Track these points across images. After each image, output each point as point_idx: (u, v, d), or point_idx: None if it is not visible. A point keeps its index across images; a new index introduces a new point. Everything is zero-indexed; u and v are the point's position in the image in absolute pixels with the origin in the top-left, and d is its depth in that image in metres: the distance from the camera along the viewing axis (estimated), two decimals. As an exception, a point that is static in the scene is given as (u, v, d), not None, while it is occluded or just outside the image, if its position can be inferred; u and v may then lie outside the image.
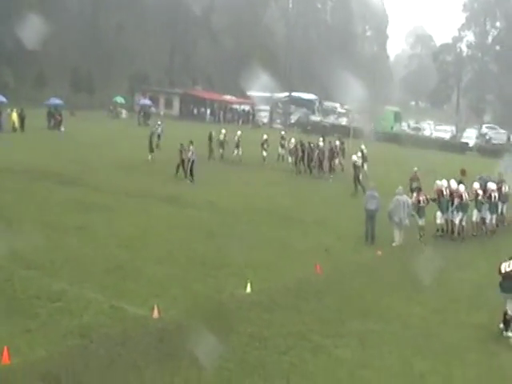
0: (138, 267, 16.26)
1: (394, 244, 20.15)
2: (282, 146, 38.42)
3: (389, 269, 17.76)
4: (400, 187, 20.99)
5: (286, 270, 17.04)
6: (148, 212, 22.64)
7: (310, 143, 35.04)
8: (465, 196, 21.78)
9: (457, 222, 21.81)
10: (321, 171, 34.20)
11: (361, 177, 30.21)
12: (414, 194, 21.86)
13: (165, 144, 37.72)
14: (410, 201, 20.59)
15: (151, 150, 34.67)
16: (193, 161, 29.83)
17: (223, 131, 37.83)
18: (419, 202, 21.23)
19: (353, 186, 29.47)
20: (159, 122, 40.02)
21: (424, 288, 16.19)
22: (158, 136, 38.57)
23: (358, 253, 19.33)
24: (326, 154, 34.30)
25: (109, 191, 25.72)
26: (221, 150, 37.51)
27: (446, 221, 22.05)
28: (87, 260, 16.50)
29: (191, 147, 30.02)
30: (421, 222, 21.30)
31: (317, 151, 34.27)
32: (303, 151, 34.73)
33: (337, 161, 35.31)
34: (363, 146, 34.80)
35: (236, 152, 37.26)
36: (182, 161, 30.04)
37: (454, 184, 22.27)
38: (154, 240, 19.01)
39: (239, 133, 38.22)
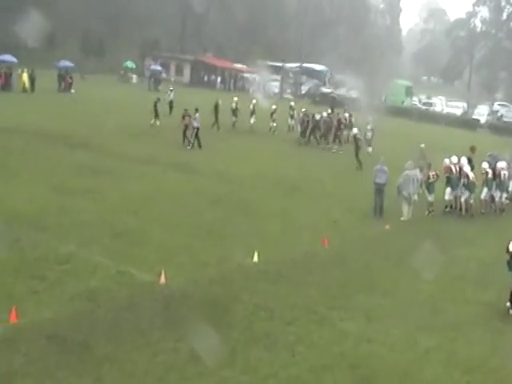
0: (146, 233, 16.22)
1: (402, 218, 20.07)
2: (292, 117, 38.07)
3: (397, 243, 17.68)
4: (410, 162, 20.85)
5: (293, 241, 16.98)
6: (156, 178, 22.55)
7: (313, 114, 34.67)
8: (471, 176, 21.60)
9: (463, 200, 21.69)
10: (324, 142, 33.88)
11: (361, 151, 29.56)
12: (424, 171, 21.66)
13: (175, 111, 37.50)
14: (419, 176, 20.44)
15: (156, 116, 34.40)
16: (198, 128, 29.56)
17: (235, 99, 37.42)
18: (429, 177, 21.09)
19: (355, 160, 29.03)
20: (171, 88, 39.63)
21: (431, 264, 16.09)
22: (171, 102, 38.18)
23: (366, 226, 19.25)
24: (334, 125, 33.91)
25: (118, 156, 25.59)
26: (233, 118, 37.08)
27: (455, 197, 21.95)
28: (95, 224, 16.46)
29: (196, 114, 29.76)
30: (430, 197, 21.21)
31: (321, 122, 34.04)
32: (308, 122, 34.40)
33: (344, 133, 34.94)
34: (370, 120, 34.39)
35: (252, 121, 36.97)
36: (185, 126, 29.85)
37: (463, 161, 22.10)
38: (161, 206, 18.95)
39: (254, 101, 37.93)
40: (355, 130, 30.13)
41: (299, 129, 35.41)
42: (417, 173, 20.49)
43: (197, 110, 29.98)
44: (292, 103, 39.76)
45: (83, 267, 13.46)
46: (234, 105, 37.18)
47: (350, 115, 36.63)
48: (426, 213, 21.11)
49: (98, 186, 20.25)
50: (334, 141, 33.77)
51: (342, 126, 34.46)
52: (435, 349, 11.56)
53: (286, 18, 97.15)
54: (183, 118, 30.07)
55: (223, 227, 17.49)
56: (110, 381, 9.44)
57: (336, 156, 32.43)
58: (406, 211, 20.12)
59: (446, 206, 21.90)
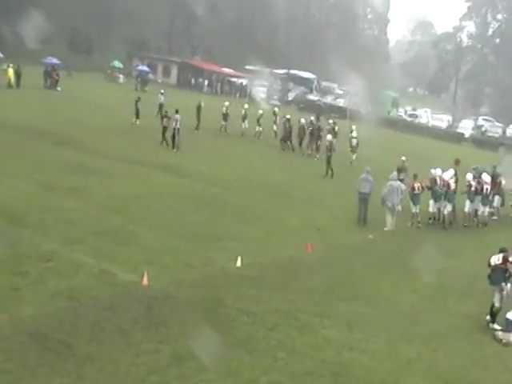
0: (130, 233, 16.17)
1: (385, 229, 20.16)
2: (275, 122, 38.08)
3: (379, 253, 17.76)
4: (394, 172, 21.08)
5: (276, 246, 17.01)
6: (142, 179, 22.47)
7: (299, 120, 34.73)
8: (452, 185, 21.82)
9: (445, 212, 21.87)
10: (302, 149, 33.96)
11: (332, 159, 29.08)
12: (405, 182, 21.76)
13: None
14: (403, 186, 20.56)
15: (137, 115, 34.41)
16: (178, 129, 29.53)
17: (226, 103, 37.45)
18: (414, 188, 21.21)
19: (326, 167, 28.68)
20: (162, 91, 39.34)
21: (413, 274, 16.22)
22: (161, 104, 37.96)
23: (350, 234, 19.33)
24: (311, 133, 33.96)
25: (103, 155, 25.44)
26: (223, 122, 37.17)
27: (439, 210, 22.09)
28: (79, 222, 16.37)
29: (177, 116, 29.73)
30: (415, 208, 21.33)
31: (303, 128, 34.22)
32: (289, 127, 34.49)
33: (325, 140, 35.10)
34: (354, 128, 34.71)
35: (244, 125, 37.11)
36: (164, 127, 29.88)
37: (449, 173, 22.28)
38: (147, 207, 18.89)
39: (246, 106, 38.31)
40: (329, 137, 29.85)
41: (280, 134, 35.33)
42: (401, 184, 20.61)
43: (177, 112, 30.00)
44: (276, 109, 39.64)
45: (66, 265, 13.37)
46: (224, 109, 37.21)
47: (334, 123, 36.76)
48: (410, 224, 21.23)
49: (83, 185, 20.13)
50: (317, 148, 33.68)
51: (322, 134, 34.29)
52: (416, 359, 11.63)
53: (274, 22, 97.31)
54: (162, 119, 30.30)
55: (208, 230, 17.48)
56: (90, 380, 9.38)
57: (320, 163, 32.37)
58: (389, 221, 20.24)
59: (430, 218, 22.04)
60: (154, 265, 14.08)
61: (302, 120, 34.99)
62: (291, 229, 18.88)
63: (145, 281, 12.95)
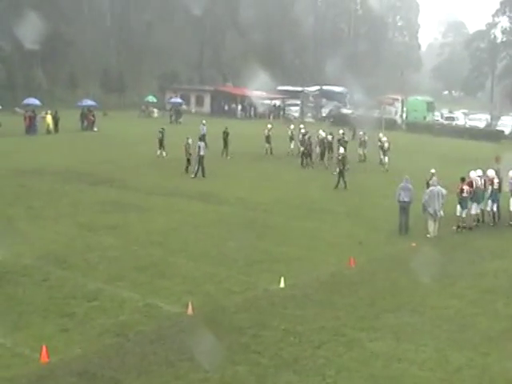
0: (171, 264, 16.41)
1: (428, 235, 19.92)
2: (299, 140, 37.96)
3: (423, 260, 17.51)
4: (434, 178, 20.76)
5: (318, 263, 17.02)
6: (180, 210, 22.78)
7: (307, 136, 34.78)
8: (495, 182, 21.53)
9: (489, 208, 21.71)
10: (324, 162, 33.90)
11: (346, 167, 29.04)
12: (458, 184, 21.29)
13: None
14: (443, 191, 20.28)
15: (161, 146, 34.77)
16: (202, 156, 29.82)
17: (269, 126, 37.89)
18: (462, 191, 20.86)
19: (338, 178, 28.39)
20: (204, 122, 39.57)
21: (459, 279, 16.07)
22: (203, 135, 38.07)
23: (392, 245, 19.21)
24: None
25: (141, 190, 25.93)
26: (266, 145, 37.55)
27: (482, 211, 21.78)
28: (121, 258, 16.70)
29: (201, 143, 30.18)
30: (463, 213, 21.00)
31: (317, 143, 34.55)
32: (309, 144, 34.60)
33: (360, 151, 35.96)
34: (381, 135, 35.22)
35: (291, 146, 37.52)
36: (190, 155, 30.29)
37: (490, 173, 21.93)
38: (186, 237, 19.14)
39: (292, 127, 38.65)
40: (342, 150, 29.63)
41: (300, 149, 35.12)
42: (441, 188, 20.30)
43: (200, 139, 30.58)
44: (301, 126, 38.95)
45: (111, 302, 13.65)
46: (266, 131, 37.76)
47: (364, 133, 36.87)
48: (454, 227, 20.94)
49: (122, 221, 20.55)
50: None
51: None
52: (467, 365, 11.45)
53: (303, 40, 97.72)
54: (185, 148, 30.51)
55: (248, 254, 17.59)
56: (140, 414, 9.54)
57: (358, 175, 32.28)
58: (431, 228, 19.97)
59: (474, 221, 21.72)
60: (196, 294, 14.27)
61: (322, 133, 35.06)
62: (332, 245, 18.87)
63: (189, 310, 13.12)
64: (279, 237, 19.56)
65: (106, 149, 37.84)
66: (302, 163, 34.18)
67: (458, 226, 21.08)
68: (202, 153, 29.89)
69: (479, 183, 21.59)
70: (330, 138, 35.10)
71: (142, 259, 16.71)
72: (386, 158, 33.82)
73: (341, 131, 36.36)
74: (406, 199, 20.31)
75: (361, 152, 36.46)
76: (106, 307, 13.40)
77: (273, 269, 16.19)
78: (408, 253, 18.30)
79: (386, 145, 34.30)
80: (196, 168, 29.78)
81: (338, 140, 34.62)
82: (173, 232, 19.69)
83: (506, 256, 18.43)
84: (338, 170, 28.65)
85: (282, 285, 14.96)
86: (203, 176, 29.62)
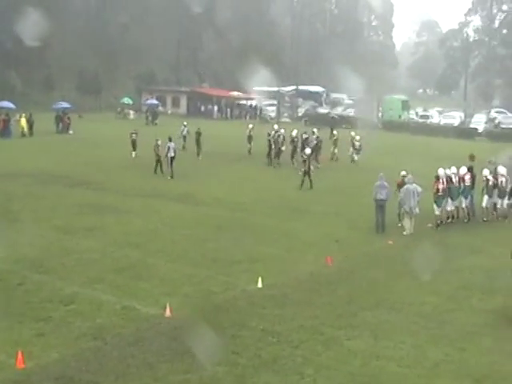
0: (150, 266, 16.32)
1: (404, 233, 20.09)
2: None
3: (400, 258, 17.67)
4: (409, 176, 20.89)
5: (297, 263, 17.05)
6: (158, 211, 22.67)
7: (277, 134, 35.04)
8: (466, 179, 21.84)
9: (463, 205, 22.02)
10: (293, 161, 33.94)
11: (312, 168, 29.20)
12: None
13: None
14: (419, 189, 20.43)
15: (134, 147, 35.04)
16: (172, 157, 29.84)
17: (250, 126, 38.00)
18: (438, 190, 21.06)
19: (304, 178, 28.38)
20: (185, 123, 39.36)
21: (436, 276, 16.14)
22: (184, 137, 38.08)
23: (369, 243, 19.30)
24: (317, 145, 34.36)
25: (118, 192, 25.76)
26: (248, 145, 37.63)
27: (457, 208, 22.00)
28: (98, 261, 16.56)
29: (171, 143, 30.15)
30: (437, 211, 21.20)
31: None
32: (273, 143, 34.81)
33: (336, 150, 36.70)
34: (354, 134, 36.47)
35: (249, 146, 37.80)
36: (158, 156, 30.25)
37: (462, 170, 22.22)
38: (164, 238, 19.05)
39: (251, 126, 38.71)
40: (308, 151, 29.79)
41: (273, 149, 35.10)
42: (417, 186, 20.44)
43: (170, 139, 30.47)
44: (275, 126, 39.08)
45: (88, 306, 13.51)
46: (248, 131, 37.91)
47: (336, 133, 37.59)
48: (430, 225, 21.09)
49: (100, 223, 20.39)
50: (317, 159, 33.76)
51: (320, 145, 34.86)
52: (444, 361, 11.53)
53: (280, 40, 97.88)
54: (154, 149, 30.47)
55: (227, 254, 17.55)
56: (119, 417, 9.45)
57: (334, 174, 32.49)
58: (407, 225, 20.16)
59: (448, 217, 21.91)
60: (175, 295, 14.20)
61: (294, 132, 35.31)
62: (310, 244, 18.91)
63: (167, 312, 13.04)
64: (258, 237, 19.54)
65: (81, 151, 37.55)
66: (269, 163, 34.25)
67: (437, 225, 21.22)
68: (171, 154, 29.83)
69: (454, 180, 21.80)
70: (303, 136, 35.34)
71: (119, 261, 16.59)
72: (357, 156, 35.39)
73: (315, 130, 36.50)
74: (382, 197, 20.45)
75: (331, 150, 37.00)
76: (83, 310, 13.26)
77: (251, 269, 16.18)
78: (385, 250, 18.43)
79: (357, 143, 35.79)
80: (170, 169, 29.72)
81: (305, 139, 34.75)
82: (151, 233, 19.58)
83: (480, 252, 18.64)
84: (302, 169, 28.54)
85: (259, 285, 14.95)
86: (171, 177, 29.48)
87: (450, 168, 22.22)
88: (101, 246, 17.89)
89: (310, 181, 27.92)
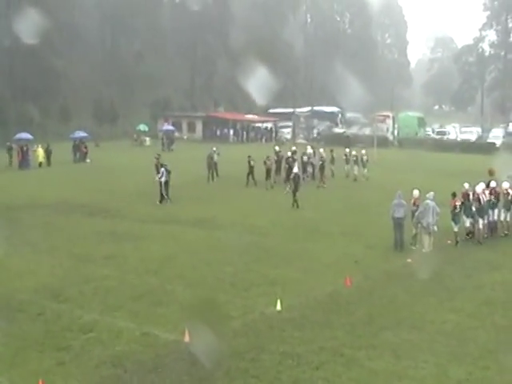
0: (168, 292, 16.37)
1: (423, 250, 19.84)
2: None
3: (420, 275, 17.54)
4: (431, 192, 20.44)
5: (315, 284, 17.00)
6: (175, 237, 22.76)
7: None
8: (482, 198, 21.51)
9: (481, 226, 21.58)
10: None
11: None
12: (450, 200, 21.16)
13: (189, 168, 38.28)
14: (438, 209, 20.03)
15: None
16: (165, 182, 29.98)
17: (277, 148, 37.73)
18: (455, 207, 20.92)
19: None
20: (214, 149, 39.10)
21: (457, 293, 16.07)
22: (215, 164, 37.57)
23: (388, 262, 19.22)
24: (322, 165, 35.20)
25: (136, 219, 25.92)
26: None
27: (473, 225, 21.78)
28: (117, 289, 16.65)
29: (162, 169, 30.34)
30: (456, 228, 20.99)
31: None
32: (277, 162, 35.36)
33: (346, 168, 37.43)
34: (364, 151, 37.66)
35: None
36: (162, 183, 30.24)
37: (479, 188, 21.98)
38: (183, 264, 19.12)
39: (277, 148, 38.38)
40: (295, 170, 30.35)
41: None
42: (435, 205, 19.95)
43: (162, 165, 30.67)
44: (294, 148, 38.90)
45: (107, 333, 13.59)
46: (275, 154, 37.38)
47: (331, 150, 37.78)
48: (449, 241, 20.94)
49: (118, 251, 20.52)
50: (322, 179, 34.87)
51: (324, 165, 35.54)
52: (467, 380, 11.44)
53: (294, 61, 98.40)
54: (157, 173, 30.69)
55: (245, 278, 17.57)
56: None
57: (345, 192, 32.47)
58: (426, 242, 19.91)
59: (467, 234, 21.74)
60: (193, 321, 14.19)
61: (289, 153, 35.52)
62: (328, 265, 18.86)
63: (186, 338, 13.05)
64: (275, 259, 19.56)
65: (98, 179, 37.90)
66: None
67: (457, 242, 20.98)
68: (163, 179, 29.90)
69: (470, 196, 21.63)
70: (304, 157, 36.29)
71: (138, 288, 16.67)
72: (366, 170, 37.04)
73: (321, 150, 37.29)
74: (400, 215, 20.34)
75: (346, 169, 37.86)
76: (102, 338, 13.34)
77: (270, 292, 16.16)
78: (404, 269, 18.32)
79: (365, 158, 37.39)
80: (162, 193, 29.77)
81: (287, 159, 34.80)
82: (168, 259, 19.65)
83: (501, 267, 18.47)
84: (287, 188, 29.32)
85: (278, 307, 14.93)
86: (160, 202, 29.57)
87: (467, 184, 21.99)
88: (119, 274, 18.01)
89: (296, 201, 28.29)
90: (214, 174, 36.74)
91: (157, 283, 17.08)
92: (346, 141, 48.12)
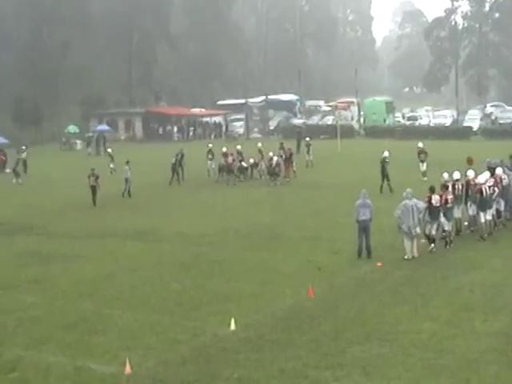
0: (105, 317, 16.22)
1: (405, 257, 19.72)
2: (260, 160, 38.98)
3: (391, 282, 17.79)
4: (408, 189, 20.38)
5: (274, 297, 17.05)
6: (112, 253, 22.58)
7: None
8: (485, 189, 21.61)
9: (482, 220, 21.70)
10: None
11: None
12: (436, 196, 20.67)
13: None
14: (420, 204, 20.04)
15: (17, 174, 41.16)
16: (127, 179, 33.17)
17: (210, 145, 39.64)
18: (446, 201, 20.72)
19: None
20: (23, 147, 41.60)
21: (432, 298, 16.30)
22: (24, 161, 42.46)
23: (355, 268, 19.38)
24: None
25: (65, 235, 25.65)
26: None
27: (456, 219, 22.01)
28: (44, 318, 16.40)
29: (126, 167, 33.24)
30: (448, 226, 20.94)
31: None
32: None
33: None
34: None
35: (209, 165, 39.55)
36: (92, 187, 31.63)
37: (482, 177, 22.16)
38: (121, 284, 18.99)
39: (210, 145, 40.41)
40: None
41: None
42: (416, 201, 20.04)
43: (127, 162, 32.83)
44: (259, 144, 40.27)
45: (34, 371, 13.31)
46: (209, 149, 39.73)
47: (289, 149, 38.71)
48: (445, 244, 20.86)
49: (44, 274, 20.24)
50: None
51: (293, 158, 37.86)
52: (446, 395, 11.59)
53: (244, 46, 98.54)
54: (89, 177, 31.83)
55: (193, 296, 17.54)
56: None
57: (312, 194, 32.73)
58: (408, 248, 19.76)
59: (487, 229, 21.86)
60: (135, 348, 14.11)
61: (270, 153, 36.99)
62: (288, 275, 18.93)
63: (127, 369, 12.95)
64: (228, 272, 19.57)
65: (20, 191, 37.47)
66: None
67: (449, 242, 20.96)
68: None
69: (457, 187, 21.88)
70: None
71: (69, 315, 16.46)
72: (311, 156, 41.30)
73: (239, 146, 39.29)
74: (365, 217, 20.18)
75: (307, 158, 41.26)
76: (27, 378, 13.05)
77: (222, 310, 16.15)
78: (373, 274, 18.51)
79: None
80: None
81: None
82: (104, 280, 19.49)
83: (482, 267, 18.76)
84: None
85: (232, 327, 14.92)
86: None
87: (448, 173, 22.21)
88: (46, 300, 17.75)
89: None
90: (180, 176, 37.64)
91: (91, 308, 16.90)
92: (298, 135, 48.51)
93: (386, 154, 31.90)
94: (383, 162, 31.50)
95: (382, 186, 30.51)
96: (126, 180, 33.81)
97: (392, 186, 30.04)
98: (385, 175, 31.01)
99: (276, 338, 14.41)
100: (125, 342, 14.51)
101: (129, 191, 33.75)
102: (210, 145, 40.60)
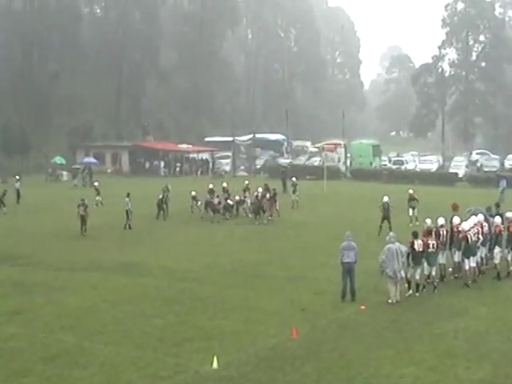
0: (87, 351, 16.13)
1: (389, 301, 19.68)
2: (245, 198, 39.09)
3: (375, 325, 17.80)
4: (391, 233, 20.59)
5: (257, 336, 17.02)
6: (96, 286, 22.50)
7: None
8: (470, 236, 21.72)
9: (466, 267, 21.76)
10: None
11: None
12: (419, 241, 20.78)
13: (111, 208, 38.29)
14: (403, 248, 20.19)
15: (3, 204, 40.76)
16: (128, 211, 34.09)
17: (211, 186, 39.37)
18: (428, 245, 20.85)
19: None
20: (17, 177, 43.00)
21: (416, 342, 16.31)
22: (18, 190, 43.43)
23: (339, 309, 19.37)
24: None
25: (50, 266, 25.55)
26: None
27: (440, 265, 22.13)
28: (25, 349, 16.26)
29: (126, 199, 34.47)
30: (428, 271, 21.05)
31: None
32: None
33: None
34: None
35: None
36: (82, 217, 32.55)
37: (467, 225, 22.33)
38: (104, 317, 18.89)
39: (211, 186, 39.73)
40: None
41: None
42: (399, 245, 20.14)
43: (128, 195, 33.91)
44: (225, 184, 40.12)
45: (10, 408, 13.24)
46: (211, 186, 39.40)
47: (273, 189, 38.46)
48: (432, 289, 21.03)
49: (27, 305, 20.11)
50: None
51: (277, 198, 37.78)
52: None
53: (234, 82, 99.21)
54: (78, 207, 32.79)
55: (176, 332, 17.48)
56: None
57: (295, 233, 32.82)
58: (393, 292, 19.75)
59: (428, 277, 22.00)
60: (116, 384, 14.02)
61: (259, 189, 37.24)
62: (272, 314, 18.92)
63: (107, 406, 12.87)
64: (211, 309, 19.53)
65: (6, 220, 37.24)
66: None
67: (434, 287, 21.07)
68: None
69: (441, 233, 22.02)
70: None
71: (50, 348, 16.35)
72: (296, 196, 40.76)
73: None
74: (349, 260, 20.13)
75: (293, 198, 40.78)
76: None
77: (205, 347, 16.11)
78: (357, 317, 18.52)
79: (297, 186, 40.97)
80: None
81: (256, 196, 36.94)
82: (87, 313, 19.39)
83: (466, 314, 18.80)
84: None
85: (215, 365, 14.87)
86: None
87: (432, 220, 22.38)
88: (28, 332, 17.63)
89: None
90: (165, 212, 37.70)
91: (73, 341, 16.80)
92: (283, 175, 48.59)
93: (386, 198, 31.74)
94: (386, 206, 31.46)
95: (381, 227, 30.58)
96: (127, 212, 34.32)
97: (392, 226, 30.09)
98: (387, 218, 31.02)
99: (258, 378, 14.38)
100: (106, 377, 14.43)
101: (129, 224, 34.18)
102: (211, 185, 39.96)
